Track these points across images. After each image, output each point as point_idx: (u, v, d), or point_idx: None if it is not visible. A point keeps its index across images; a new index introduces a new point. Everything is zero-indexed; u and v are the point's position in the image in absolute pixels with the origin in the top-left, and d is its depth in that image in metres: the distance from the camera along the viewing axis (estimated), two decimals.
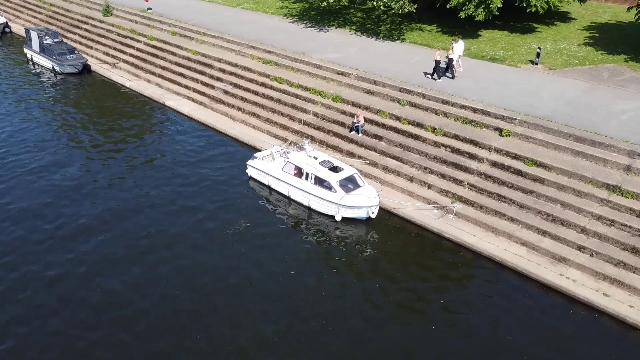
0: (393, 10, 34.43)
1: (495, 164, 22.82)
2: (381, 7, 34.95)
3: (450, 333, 16.90)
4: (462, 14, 33.12)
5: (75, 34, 45.40)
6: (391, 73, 29.60)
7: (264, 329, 16.87)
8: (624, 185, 20.25)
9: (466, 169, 23.18)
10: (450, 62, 28.32)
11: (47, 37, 40.31)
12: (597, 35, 34.44)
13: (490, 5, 32.04)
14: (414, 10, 34.67)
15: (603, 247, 19.13)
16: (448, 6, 33.94)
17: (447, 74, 28.72)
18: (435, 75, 28.47)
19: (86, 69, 39.09)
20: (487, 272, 19.55)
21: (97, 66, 39.78)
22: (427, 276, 19.38)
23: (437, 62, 28.17)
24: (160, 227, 21.69)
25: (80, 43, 43.60)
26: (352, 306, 17.88)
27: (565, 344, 16.52)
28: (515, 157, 22.68)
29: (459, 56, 29.10)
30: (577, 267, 18.92)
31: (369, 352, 16.18)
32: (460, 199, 22.33)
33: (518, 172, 22.18)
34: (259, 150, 26.68)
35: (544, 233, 20.14)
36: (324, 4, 37.41)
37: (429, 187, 23.30)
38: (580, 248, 19.33)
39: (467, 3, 32.65)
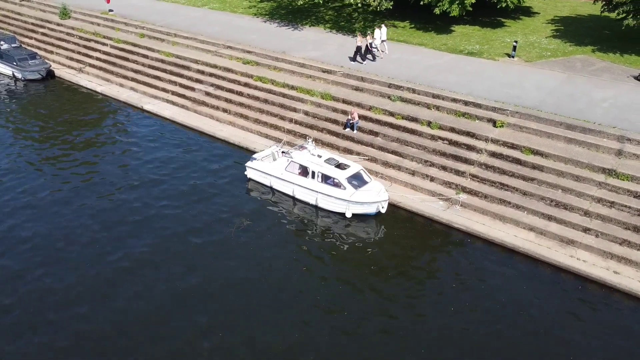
0: (371, 8, 34.77)
1: (494, 154, 23.55)
2: (358, 4, 35.20)
3: (471, 317, 17.40)
4: (437, 10, 33.89)
5: (31, 38, 43.02)
6: (376, 69, 29.90)
7: (284, 328, 16.77)
8: (619, 168, 21.41)
9: (466, 160, 23.80)
10: (370, 45, 30.72)
11: (3, 42, 38.19)
12: (562, 28, 36.15)
13: (465, 1, 33.01)
14: (391, 7, 35.15)
15: (607, 227, 20.17)
16: (422, 3, 34.59)
17: (367, 56, 31.05)
18: (359, 59, 30.81)
19: (50, 74, 37.20)
20: (500, 258, 20.15)
21: (61, 71, 37.93)
22: (444, 264, 19.91)
23: (359, 48, 30.44)
24: (160, 232, 21.08)
25: (39, 48, 41.32)
26: (373, 300, 18.03)
27: (583, 321, 17.35)
28: (512, 146, 23.49)
29: (382, 40, 31.65)
30: (585, 248, 19.85)
31: (389, 342, 16.40)
32: (464, 189, 22.91)
33: (517, 161, 22.99)
34: (252, 152, 26.33)
35: (550, 218, 20.99)
36: (300, 2, 37.34)
37: (432, 179, 23.77)
38: (586, 230, 20.30)
39: None
